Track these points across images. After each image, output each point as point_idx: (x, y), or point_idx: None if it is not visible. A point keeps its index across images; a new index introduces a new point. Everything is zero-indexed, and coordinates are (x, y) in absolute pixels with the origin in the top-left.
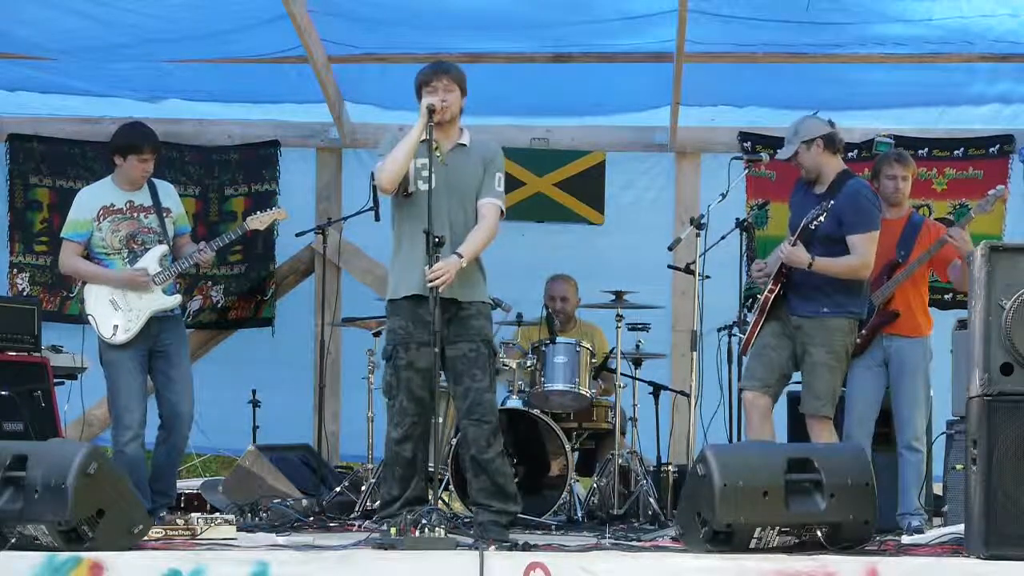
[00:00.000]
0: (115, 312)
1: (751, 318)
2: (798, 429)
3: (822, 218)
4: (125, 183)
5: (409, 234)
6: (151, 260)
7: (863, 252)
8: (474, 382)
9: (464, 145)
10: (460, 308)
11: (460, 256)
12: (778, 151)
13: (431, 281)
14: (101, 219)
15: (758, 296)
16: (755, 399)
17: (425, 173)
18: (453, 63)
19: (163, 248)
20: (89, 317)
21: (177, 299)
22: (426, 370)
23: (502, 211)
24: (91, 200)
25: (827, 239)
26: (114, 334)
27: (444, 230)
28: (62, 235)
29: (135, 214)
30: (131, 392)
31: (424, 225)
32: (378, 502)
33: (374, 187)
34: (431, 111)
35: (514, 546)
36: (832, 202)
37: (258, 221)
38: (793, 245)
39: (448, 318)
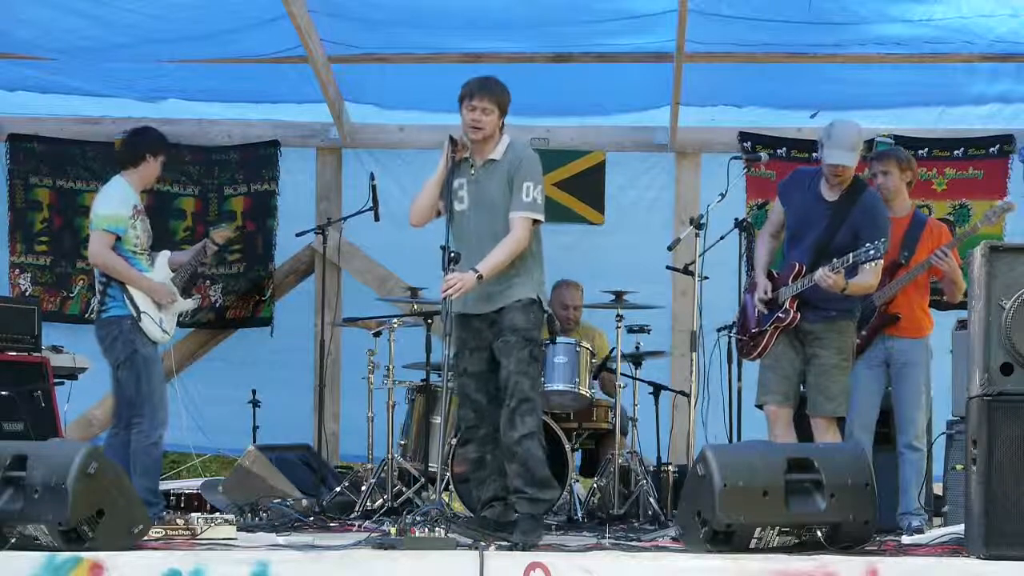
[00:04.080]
0: (158, 312)
1: (760, 327)
2: (801, 429)
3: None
4: (140, 184)
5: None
6: (164, 264)
7: (879, 270)
8: (501, 368)
9: (494, 160)
10: (499, 314)
11: (476, 272)
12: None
13: (444, 292)
14: (135, 217)
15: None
16: (778, 411)
17: (461, 192)
18: (499, 82)
19: (168, 253)
20: (144, 316)
21: (194, 302)
22: (477, 374)
23: (536, 220)
24: (127, 196)
25: (841, 252)
26: (163, 333)
27: (476, 246)
28: (104, 227)
29: (144, 216)
30: (164, 388)
31: (461, 245)
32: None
33: (373, 187)
34: (453, 143)
35: (514, 546)
36: (880, 243)
37: (220, 235)
38: (835, 272)
39: (490, 322)
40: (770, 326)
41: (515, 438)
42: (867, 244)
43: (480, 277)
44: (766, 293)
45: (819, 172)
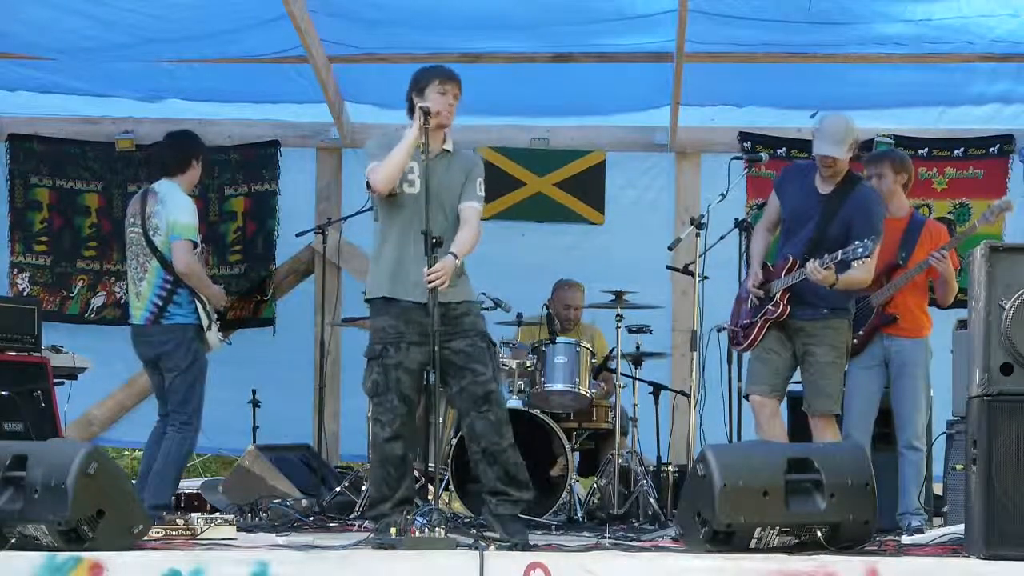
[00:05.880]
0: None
1: (751, 319)
2: (799, 430)
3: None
4: (187, 189)
5: (394, 235)
6: None
7: (871, 266)
8: (476, 376)
9: (448, 151)
10: (448, 308)
11: (455, 255)
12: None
13: (430, 282)
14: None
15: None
16: (763, 401)
17: (411, 176)
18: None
19: None
20: (215, 325)
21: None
22: (417, 371)
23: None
24: (192, 204)
25: (834, 246)
26: (219, 342)
27: (437, 234)
28: (188, 237)
29: None
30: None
31: (412, 228)
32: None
33: None
34: (427, 114)
35: (514, 546)
36: (870, 240)
37: None
38: (825, 268)
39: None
40: (760, 319)
41: (503, 446)
42: (856, 242)
43: (456, 261)
44: (757, 279)
45: (814, 166)
